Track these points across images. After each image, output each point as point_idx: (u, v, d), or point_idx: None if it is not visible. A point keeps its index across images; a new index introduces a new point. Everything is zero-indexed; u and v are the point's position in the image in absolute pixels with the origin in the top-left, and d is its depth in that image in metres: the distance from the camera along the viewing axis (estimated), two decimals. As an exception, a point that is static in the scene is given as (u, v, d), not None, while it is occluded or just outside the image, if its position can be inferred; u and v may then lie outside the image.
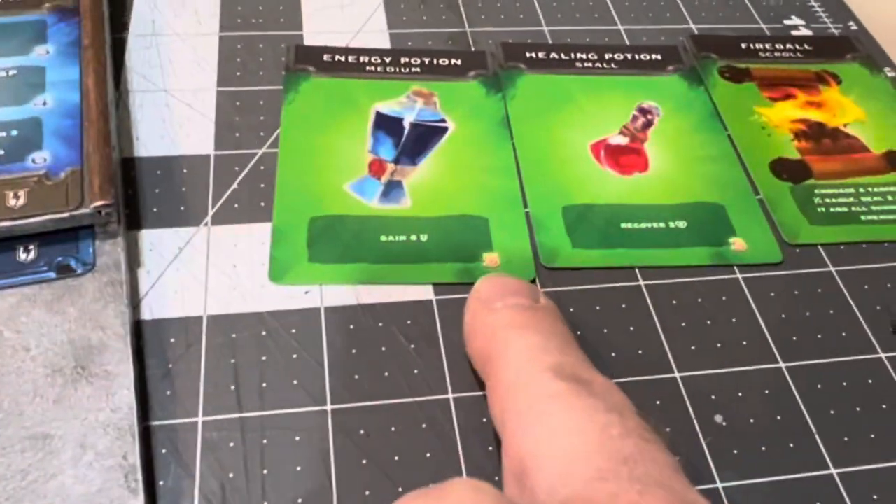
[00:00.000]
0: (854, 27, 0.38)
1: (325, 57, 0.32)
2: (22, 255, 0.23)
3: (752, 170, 0.30)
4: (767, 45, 0.36)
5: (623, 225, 0.28)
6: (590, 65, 0.33)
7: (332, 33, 0.33)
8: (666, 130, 0.31)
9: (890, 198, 0.30)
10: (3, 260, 0.23)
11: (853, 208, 0.30)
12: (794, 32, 0.37)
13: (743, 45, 0.36)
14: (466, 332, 0.22)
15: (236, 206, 0.27)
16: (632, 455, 0.16)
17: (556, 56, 0.34)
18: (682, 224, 0.28)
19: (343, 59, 0.32)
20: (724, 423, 0.23)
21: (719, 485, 0.22)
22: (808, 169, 0.31)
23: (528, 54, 0.33)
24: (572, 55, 0.34)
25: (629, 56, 0.34)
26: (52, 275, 0.23)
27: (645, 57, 0.34)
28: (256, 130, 0.29)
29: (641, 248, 0.27)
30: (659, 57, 0.34)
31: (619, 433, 0.16)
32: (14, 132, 0.25)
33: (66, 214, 0.23)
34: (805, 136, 0.32)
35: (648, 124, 0.32)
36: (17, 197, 0.24)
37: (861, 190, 0.30)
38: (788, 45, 0.36)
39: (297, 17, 0.34)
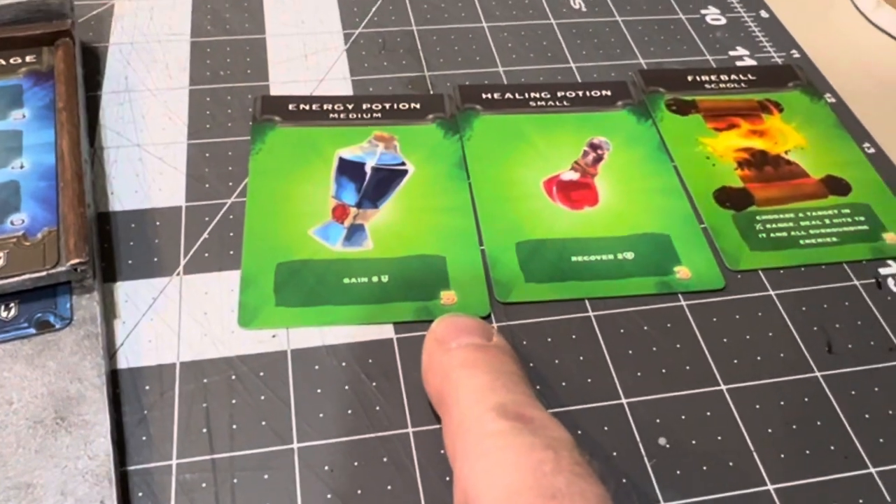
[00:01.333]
0: (797, 55, 0.40)
1: (290, 106, 0.34)
2: (3, 313, 0.25)
3: (697, 199, 0.32)
4: (713, 77, 0.38)
5: (574, 258, 0.29)
6: (542, 103, 0.35)
7: (296, 82, 0.35)
8: (615, 164, 0.33)
9: (827, 221, 0.32)
10: (-14, 318, 0.25)
11: (792, 233, 0.31)
12: (739, 63, 0.39)
13: (689, 78, 0.37)
14: (424, 371, 0.24)
15: (207, 255, 0.28)
16: (560, 490, 0.17)
17: (511, 96, 0.35)
18: (629, 255, 0.30)
19: (307, 107, 0.34)
20: (667, 446, 0.25)
21: (663, 504, 0.24)
22: (750, 196, 0.32)
23: (483, 95, 0.35)
24: (526, 94, 0.36)
25: (580, 93, 0.36)
26: (32, 331, 0.25)
27: (595, 93, 0.36)
28: (225, 181, 0.31)
29: (591, 280, 0.29)
30: (609, 93, 0.36)
31: (551, 470, 0.18)
32: (-7, 196, 0.27)
33: (43, 273, 0.25)
34: (748, 165, 0.34)
35: (599, 159, 0.33)
36: (-3, 258, 0.25)
37: (800, 215, 0.32)
38: (733, 76, 0.38)
39: (263, 68, 0.36)
